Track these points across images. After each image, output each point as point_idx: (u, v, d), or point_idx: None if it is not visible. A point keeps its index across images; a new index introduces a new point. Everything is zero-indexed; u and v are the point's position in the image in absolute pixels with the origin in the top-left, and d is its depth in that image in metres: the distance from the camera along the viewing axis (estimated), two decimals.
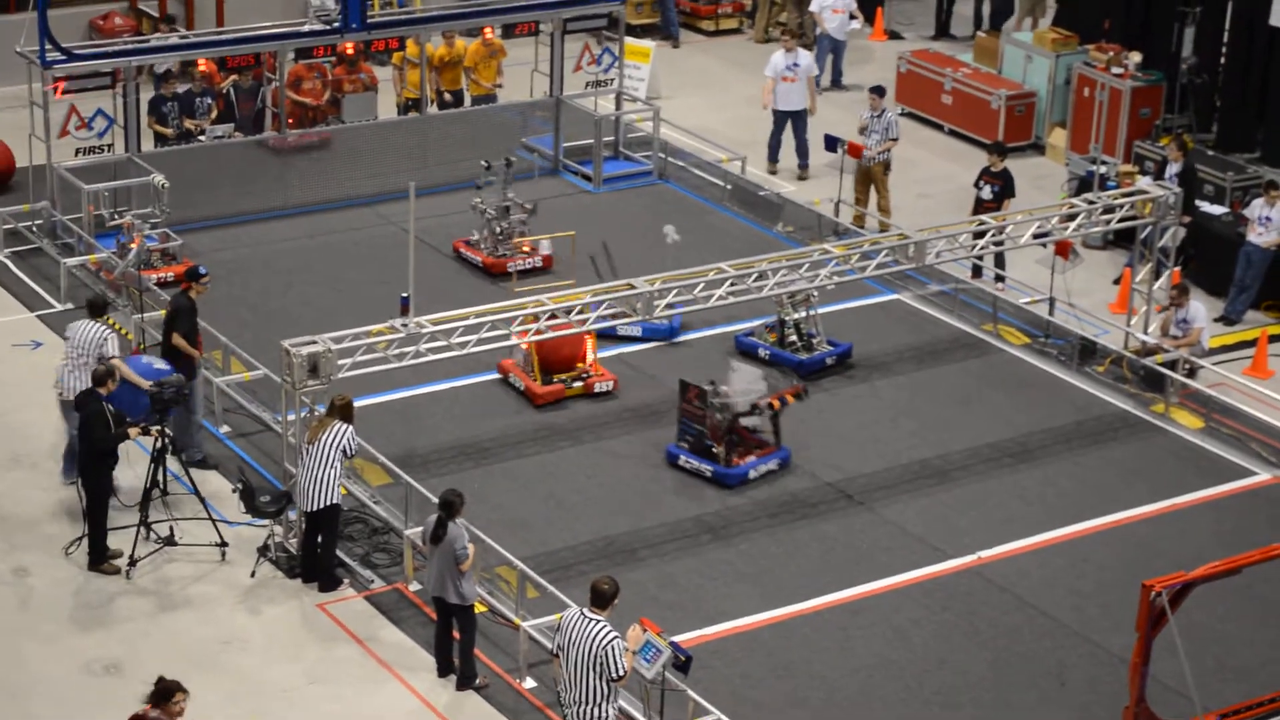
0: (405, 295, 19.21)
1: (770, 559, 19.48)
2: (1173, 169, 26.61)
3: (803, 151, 30.14)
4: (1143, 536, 20.05)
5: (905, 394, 22.92)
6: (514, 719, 17.01)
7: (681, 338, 23.90)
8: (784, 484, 20.78)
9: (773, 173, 30.05)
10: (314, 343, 18.65)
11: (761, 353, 23.17)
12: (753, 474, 20.73)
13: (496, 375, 22.64)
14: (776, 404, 20.93)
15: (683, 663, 15.88)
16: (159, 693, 14.38)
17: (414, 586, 18.69)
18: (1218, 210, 27.09)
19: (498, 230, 25.23)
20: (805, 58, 30.21)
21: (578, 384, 22.37)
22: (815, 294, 22.95)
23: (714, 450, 20.67)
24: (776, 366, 22.77)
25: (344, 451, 18.38)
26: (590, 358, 22.67)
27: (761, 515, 20.20)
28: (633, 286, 20.21)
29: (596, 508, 20.26)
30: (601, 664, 15.06)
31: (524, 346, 21.70)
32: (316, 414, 18.77)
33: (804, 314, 23.34)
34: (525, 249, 25.55)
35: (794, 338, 23.26)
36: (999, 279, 26.12)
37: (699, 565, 19.33)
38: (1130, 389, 23.09)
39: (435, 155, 28.53)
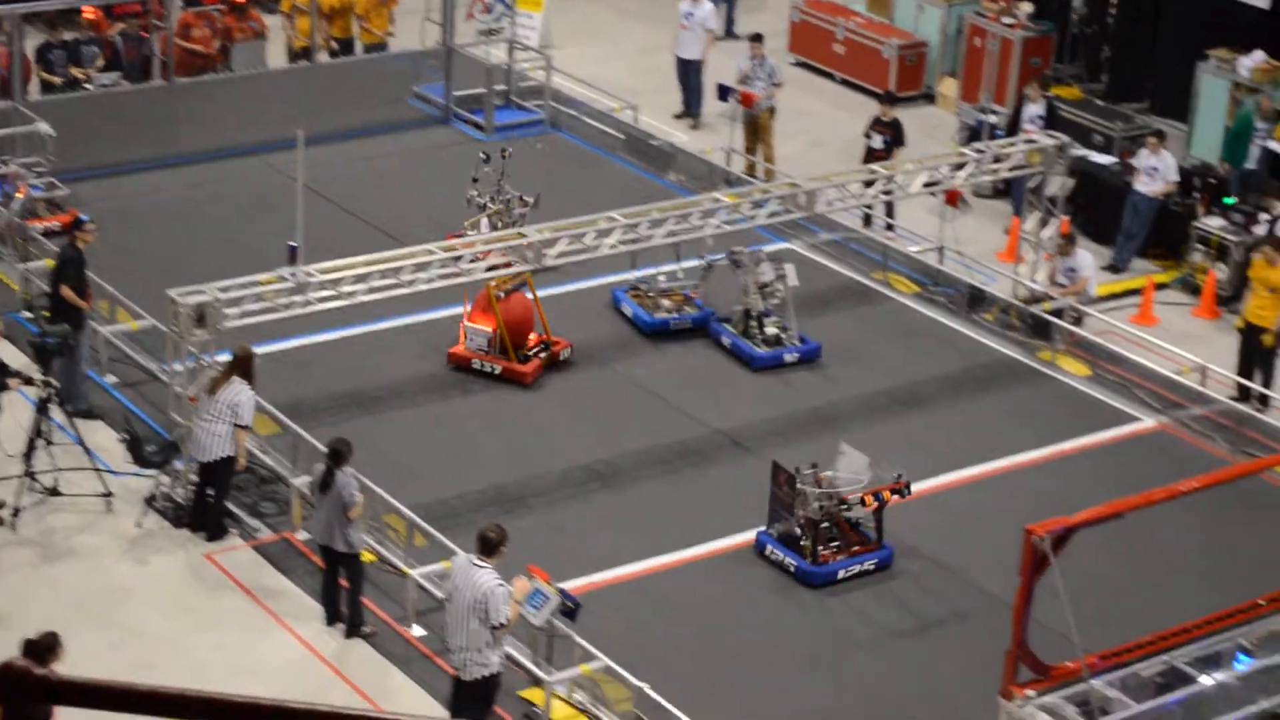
0: (293, 244, 19.09)
1: (659, 505, 19.53)
2: (1032, 110, 26.78)
3: (695, 100, 30.19)
4: (1029, 482, 20.22)
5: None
6: (402, 667, 17.00)
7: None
8: (673, 430, 20.83)
9: (678, 117, 30.14)
10: (201, 292, 18.52)
11: (725, 340, 22.49)
12: (842, 574, 18.32)
13: (447, 364, 21.87)
14: (870, 501, 18.28)
15: (571, 610, 15.94)
16: (34, 649, 14.01)
17: (302, 535, 18.63)
18: (1106, 160, 27.29)
19: (498, 227, 23.45)
20: (702, 8, 30.19)
21: (545, 355, 21.97)
22: (783, 287, 22.38)
23: (802, 544, 18.47)
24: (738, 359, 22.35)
25: (236, 414, 18.19)
26: (541, 329, 22.18)
27: (651, 462, 20.24)
28: (523, 235, 20.17)
29: (486, 456, 20.23)
30: (485, 611, 15.08)
31: (485, 327, 21.47)
32: (215, 364, 18.66)
33: (772, 305, 22.42)
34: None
35: (759, 329, 22.33)
36: (889, 228, 26.25)
37: (588, 512, 19.36)
38: (1018, 336, 23.27)
39: (325, 104, 28.34)
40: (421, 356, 22.09)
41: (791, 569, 18.32)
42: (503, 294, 21.56)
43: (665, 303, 23.09)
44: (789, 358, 22.33)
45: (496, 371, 21.63)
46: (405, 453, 20.16)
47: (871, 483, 18.22)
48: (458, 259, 19.87)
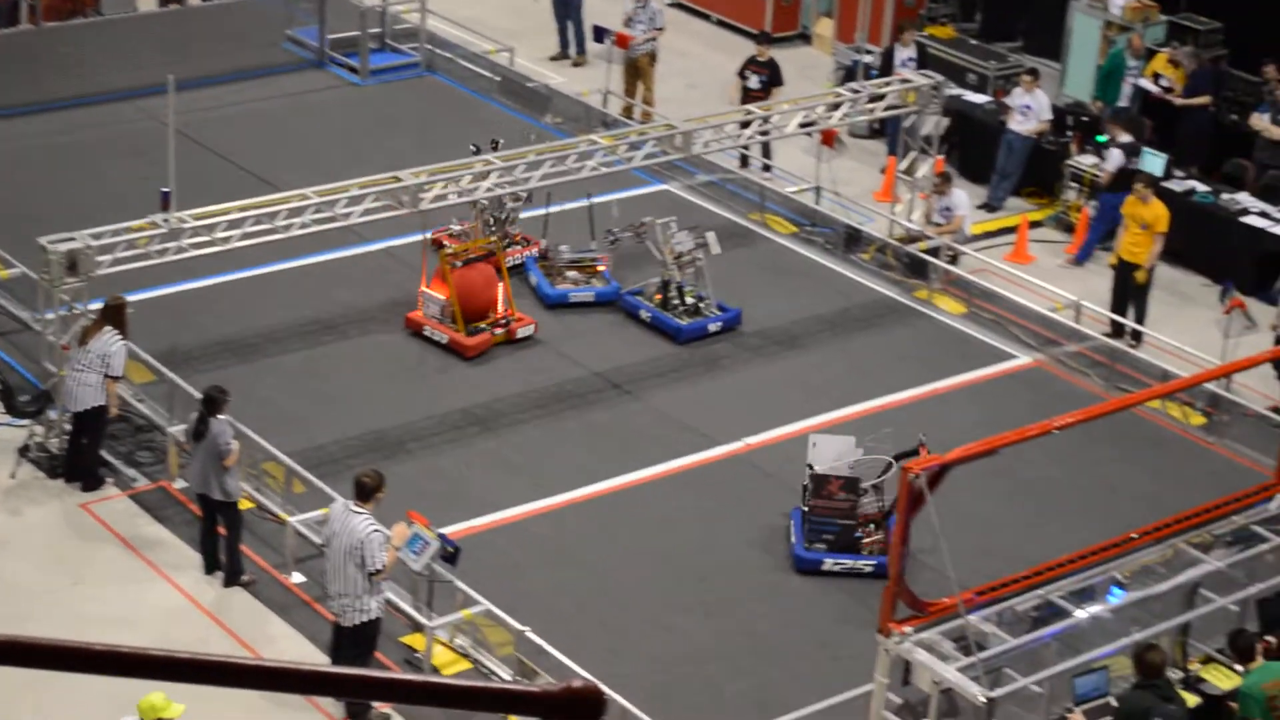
0: (165, 190, 18.89)
1: (538, 449, 19.52)
2: (903, 54, 26.90)
3: (578, 38, 30.12)
4: (907, 420, 20.34)
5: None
6: (281, 614, 16.94)
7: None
8: (552, 374, 20.82)
9: (554, 59, 30.05)
10: (72, 239, 18.31)
11: (643, 314, 21.89)
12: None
13: (404, 329, 21.37)
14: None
15: (451, 554, 15.94)
16: None
17: (179, 484, 18.48)
18: (980, 99, 27.44)
19: (490, 221, 22.53)
20: None
21: (500, 330, 21.21)
22: (702, 256, 21.88)
23: (864, 542, 17.85)
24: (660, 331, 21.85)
25: (107, 364, 17.98)
26: (502, 305, 21.40)
27: (530, 406, 20.23)
28: (399, 179, 20.05)
29: (364, 402, 20.14)
30: (361, 556, 15.05)
31: (440, 295, 20.94)
32: (88, 313, 18.46)
33: (689, 274, 21.91)
34: (519, 239, 23.18)
35: (678, 300, 21.78)
36: (766, 168, 26.29)
37: (467, 457, 19.33)
38: (895, 276, 23.39)
39: (197, 48, 28.02)
40: (298, 303, 21.92)
41: (868, 570, 17.58)
42: (459, 263, 20.99)
43: (572, 274, 22.58)
44: (713, 327, 21.75)
45: (443, 340, 21.04)
46: (283, 400, 20.03)
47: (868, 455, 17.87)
48: (333, 204, 19.73)
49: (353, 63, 28.69)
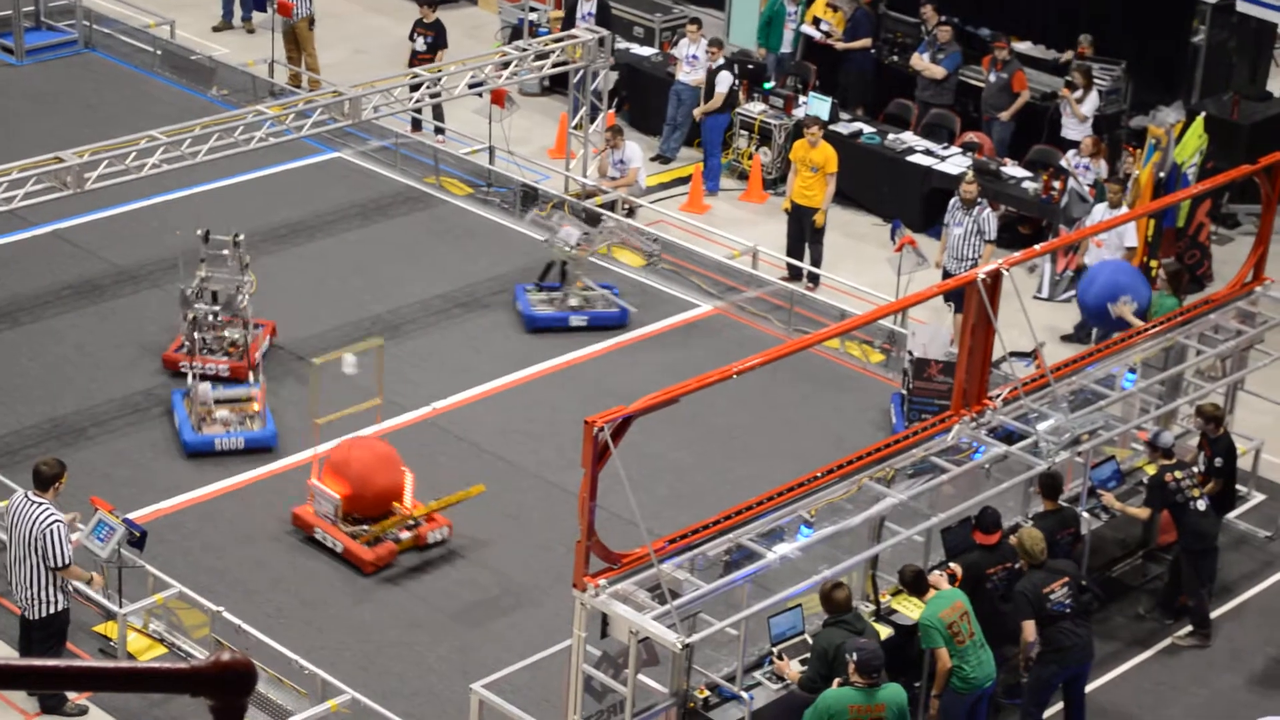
0: None
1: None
2: (585, 8, 26.98)
3: (245, 4, 29.66)
4: (592, 375, 20.46)
5: (353, 251, 22.81)
6: None
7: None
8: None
9: (218, 30, 29.55)
10: None
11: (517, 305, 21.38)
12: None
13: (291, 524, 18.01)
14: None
15: (138, 539, 15.64)
16: None
17: None
18: (647, 51, 27.61)
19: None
20: None
21: (406, 535, 17.57)
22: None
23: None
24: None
25: None
26: (410, 497, 17.72)
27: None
28: (61, 160, 19.53)
29: (39, 389, 19.65)
30: (42, 549, 14.70)
31: (332, 494, 17.39)
32: None
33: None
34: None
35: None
36: (438, 131, 26.17)
37: (151, 440, 18.97)
38: None
39: None
40: None
41: None
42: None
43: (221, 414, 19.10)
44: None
45: (338, 549, 17.40)
46: None
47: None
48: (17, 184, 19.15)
49: (7, 42, 27.89)
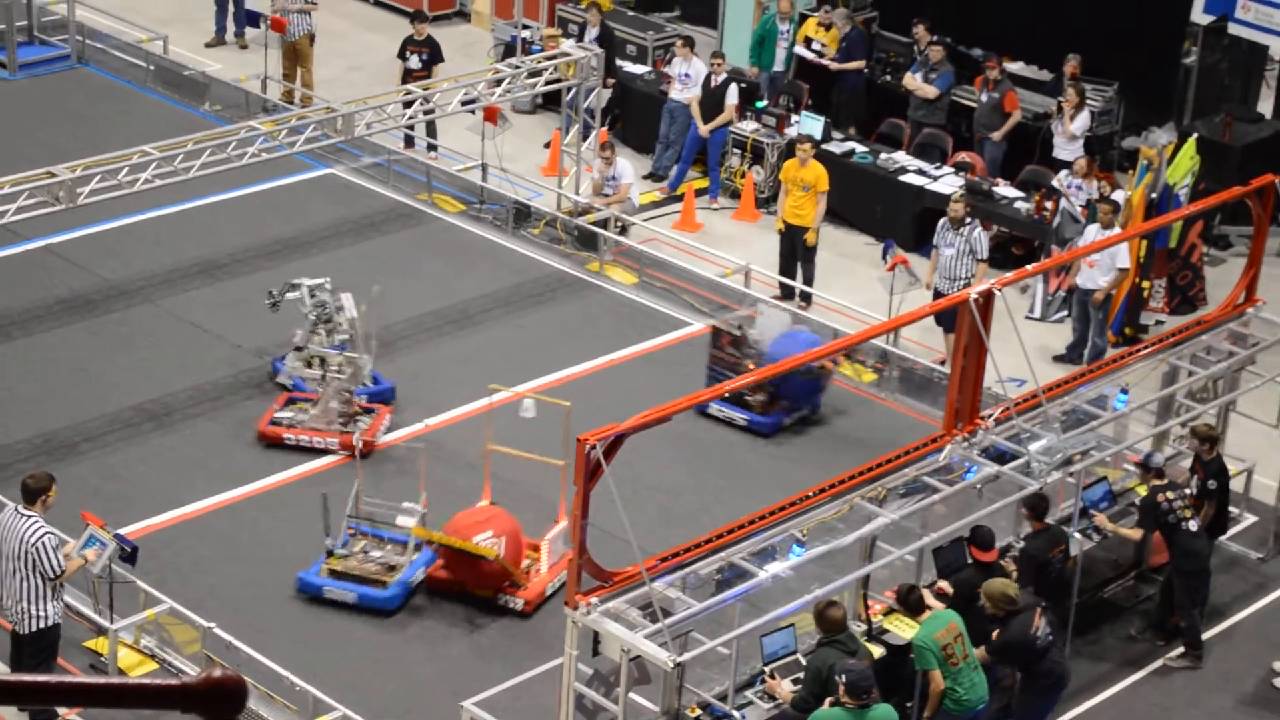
0: None
1: (214, 444, 19.19)
2: (591, 33, 27.01)
3: (238, 20, 29.65)
4: (584, 392, 20.40)
5: (345, 268, 22.76)
6: None
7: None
8: (223, 368, 20.48)
9: (210, 45, 29.54)
10: None
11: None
12: (786, 421, 20.14)
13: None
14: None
15: (129, 554, 15.59)
16: None
17: None
18: (640, 69, 27.62)
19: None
20: None
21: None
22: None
23: (749, 399, 19.98)
24: None
25: None
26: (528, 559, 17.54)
27: (201, 400, 19.88)
28: (53, 174, 19.50)
29: (30, 403, 19.62)
30: (34, 561, 14.66)
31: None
32: None
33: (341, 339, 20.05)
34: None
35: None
36: (431, 148, 26.17)
37: (143, 454, 18.95)
38: (565, 249, 23.48)
39: None
40: None
41: (742, 423, 19.95)
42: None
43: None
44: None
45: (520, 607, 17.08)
46: None
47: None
48: None
49: (0, 58, 27.87)
